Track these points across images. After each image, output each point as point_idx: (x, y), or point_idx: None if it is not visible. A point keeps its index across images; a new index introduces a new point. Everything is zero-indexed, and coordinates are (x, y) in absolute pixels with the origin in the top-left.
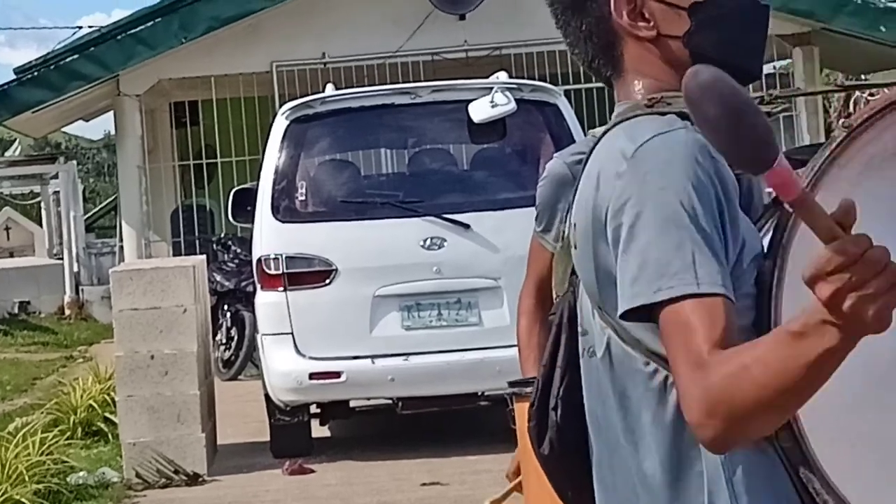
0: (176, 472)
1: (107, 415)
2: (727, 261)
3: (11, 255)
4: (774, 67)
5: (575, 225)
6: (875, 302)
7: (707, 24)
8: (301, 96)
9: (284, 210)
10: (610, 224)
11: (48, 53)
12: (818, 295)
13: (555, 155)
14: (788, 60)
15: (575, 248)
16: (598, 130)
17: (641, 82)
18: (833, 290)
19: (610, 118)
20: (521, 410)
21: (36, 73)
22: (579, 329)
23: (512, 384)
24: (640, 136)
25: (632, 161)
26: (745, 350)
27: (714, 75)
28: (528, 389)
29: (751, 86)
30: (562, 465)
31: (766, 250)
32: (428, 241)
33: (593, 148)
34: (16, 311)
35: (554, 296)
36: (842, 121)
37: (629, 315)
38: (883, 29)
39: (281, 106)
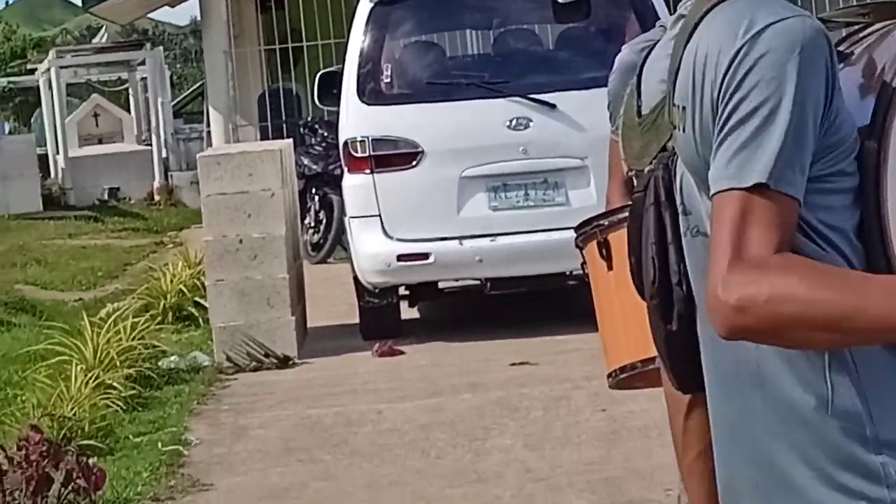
0: (266, 355)
1: (197, 299)
2: (829, 148)
3: (100, 142)
4: None
5: (683, 108)
6: None
7: None
8: None
9: (370, 93)
10: (720, 107)
11: None
12: None
13: (623, 47)
14: None
15: (682, 130)
16: (669, 20)
17: None
18: None
19: None
20: (591, 250)
21: None
22: (679, 208)
23: (578, 228)
24: (757, 20)
25: (748, 46)
26: (824, 269)
27: None
28: (604, 221)
29: None
30: (687, 340)
31: (868, 130)
32: (514, 122)
33: (692, 30)
34: (106, 197)
35: (625, 169)
36: None
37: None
38: None
39: None
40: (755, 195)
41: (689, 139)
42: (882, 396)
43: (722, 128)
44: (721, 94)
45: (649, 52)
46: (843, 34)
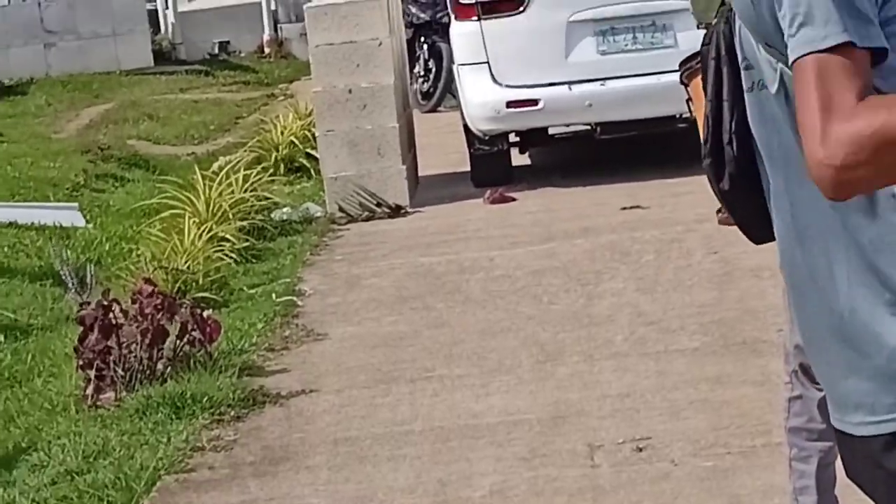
0: (378, 204)
1: (308, 150)
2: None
3: None
4: None
5: None
6: None
7: None
8: None
9: None
10: None
11: None
12: None
13: None
14: None
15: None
16: None
17: None
18: None
19: None
20: (696, 86)
21: None
22: (741, 63)
23: (682, 64)
24: None
25: None
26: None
27: None
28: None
29: None
30: (743, 198)
31: None
32: None
33: None
34: (216, 51)
35: (696, 23)
36: None
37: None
38: None
39: None
40: (826, 54)
41: None
42: None
43: None
44: None
45: None
46: None
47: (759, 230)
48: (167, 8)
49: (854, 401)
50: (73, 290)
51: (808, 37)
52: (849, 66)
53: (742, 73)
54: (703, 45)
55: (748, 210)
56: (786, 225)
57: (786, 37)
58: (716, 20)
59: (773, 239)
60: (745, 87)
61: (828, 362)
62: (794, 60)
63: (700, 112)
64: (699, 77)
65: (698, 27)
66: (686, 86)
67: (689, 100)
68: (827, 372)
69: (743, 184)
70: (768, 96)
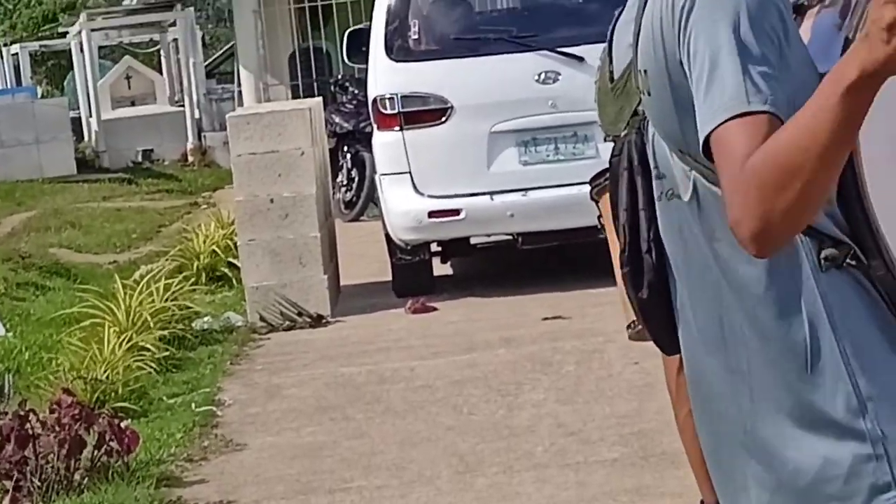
0: (299, 314)
1: (230, 260)
2: (784, 79)
3: (133, 104)
4: None
5: (645, 71)
6: None
7: None
8: None
9: (398, 49)
10: (682, 56)
11: None
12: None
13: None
14: None
15: (648, 94)
16: None
17: None
18: None
19: None
20: (606, 202)
21: None
22: (654, 172)
23: (592, 181)
24: None
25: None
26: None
27: None
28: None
29: None
30: (659, 307)
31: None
32: (542, 76)
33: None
34: (140, 159)
35: (604, 136)
36: None
37: (706, 151)
38: None
39: None
40: (732, 126)
41: (656, 102)
42: (861, 353)
43: (693, 81)
44: (680, 49)
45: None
46: None
47: (672, 340)
48: (91, 116)
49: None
50: None
51: (711, 116)
52: (753, 125)
53: (654, 181)
54: (612, 156)
55: (663, 319)
56: (690, 336)
57: (698, 117)
58: (626, 131)
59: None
60: (655, 195)
61: (729, 474)
62: (706, 139)
63: (609, 227)
64: (609, 194)
65: (605, 139)
66: (596, 202)
67: (599, 216)
68: (725, 484)
69: (660, 292)
70: (679, 205)
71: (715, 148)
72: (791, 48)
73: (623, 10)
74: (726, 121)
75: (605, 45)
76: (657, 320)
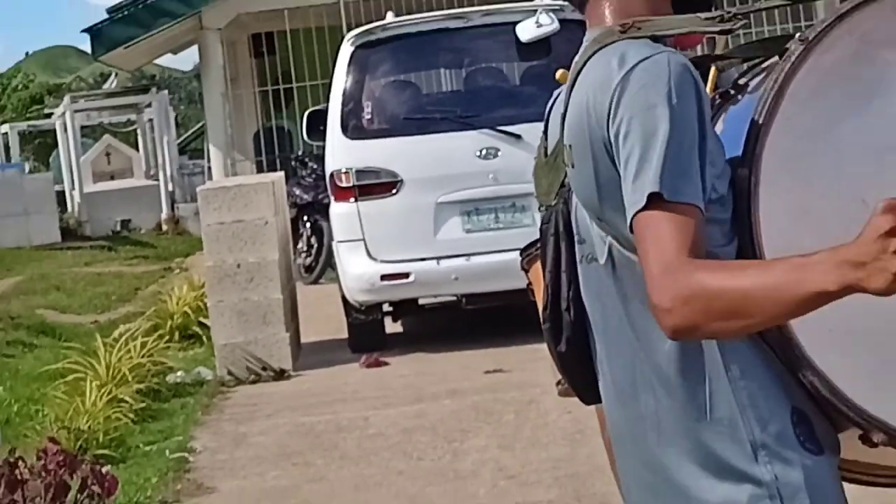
0: (264, 368)
1: (201, 319)
2: (706, 166)
3: (112, 178)
4: None
5: (570, 146)
6: None
7: None
8: (365, 24)
9: (352, 128)
10: (611, 140)
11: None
12: (877, 227)
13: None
14: None
15: (572, 167)
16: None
17: (616, 5)
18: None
19: None
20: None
21: (126, 13)
22: (576, 237)
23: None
24: (628, 60)
25: (623, 83)
26: (735, 263)
27: None
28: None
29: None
30: (578, 360)
31: (741, 159)
32: (484, 152)
33: (578, 74)
34: (118, 228)
35: (539, 206)
36: (798, 34)
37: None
38: None
39: (347, 34)
40: (657, 211)
41: (578, 174)
42: (756, 404)
43: (620, 161)
44: (609, 130)
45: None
46: (744, 68)
47: (590, 391)
48: (74, 189)
49: None
50: None
51: (637, 198)
52: (674, 221)
53: (576, 246)
54: (542, 224)
55: (581, 372)
56: (607, 388)
57: (623, 189)
58: (555, 201)
59: (601, 400)
60: (577, 259)
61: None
62: (631, 220)
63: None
64: (538, 263)
65: (539, 209)
66: (526, 272)
67: (528, 284)
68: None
69: (578, 347)
70: (597, 268)
71: (641, 228)
72: (708, 132)
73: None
74: (654, 205)
75: (542, 123)
76: (576, 373)
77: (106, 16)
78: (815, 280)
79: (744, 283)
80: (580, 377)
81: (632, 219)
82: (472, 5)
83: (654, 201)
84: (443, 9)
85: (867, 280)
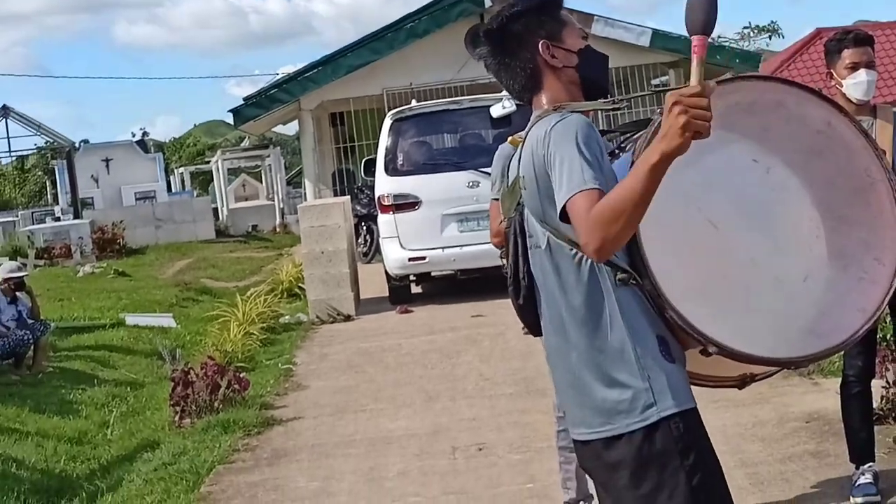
0: (338, 314)
1: (300, 284)
2: (603, 174)
3: (246, 200)
4: (660, 82)
5: (524, 177)
6: (695, 126)
7: (585, 60)
8: (399, 107)
9: (391, 169)
10: (547, 168)
11: (261, 89)
12: (669, 108)
13: (501, 145)
14: (667, 77)
15: (524, 189)
16: (521, 133)
17: (549, 96)
18: (682, 107)
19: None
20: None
21: (254, 100)
22: (527, 234)
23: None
24: (553, 121)
25: (550, 134)
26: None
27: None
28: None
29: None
30: (529, 309)
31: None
32: (470, 184)
33: (525, 137)
34: (250, 230)
35: (503, 218)
36: (658, 110)
37: (563, 216)
38: (737, 61)
39: (388, 112)
40: (579, 196)
41: (528, 193)
42: (639, 338)
43: (554, 178)
44: (545, 161)
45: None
46: (622, 138)
47: (537, 328)
48: (223, 206)
49: (579, 421)
50: (168, 362)
51: (565, 192)
52: (589, 195)
53: (527, 239)
54: (506, 228)
55: (532, 316)
56: (545, 325)
57: (556, 193)
58: (513, 214)
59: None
60: (529, 247)
61: (567, 400)
62: (563, 206)
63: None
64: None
65: (501, 222)
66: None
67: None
68: (566, 406)
69: (529, 301)
70: (540, 252)
71: (569, 211)
72: (604, 162)
73: (501, 146)
74: (575, 195)
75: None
76: (528, 317)
77: (242, 101)
78: (647, 161)
79: (616, 192)
80: (531, 319)
81: (563, 207)
82: (464, 95)
83: (576, 192)
84: (445, 98)
85: (671, 143)
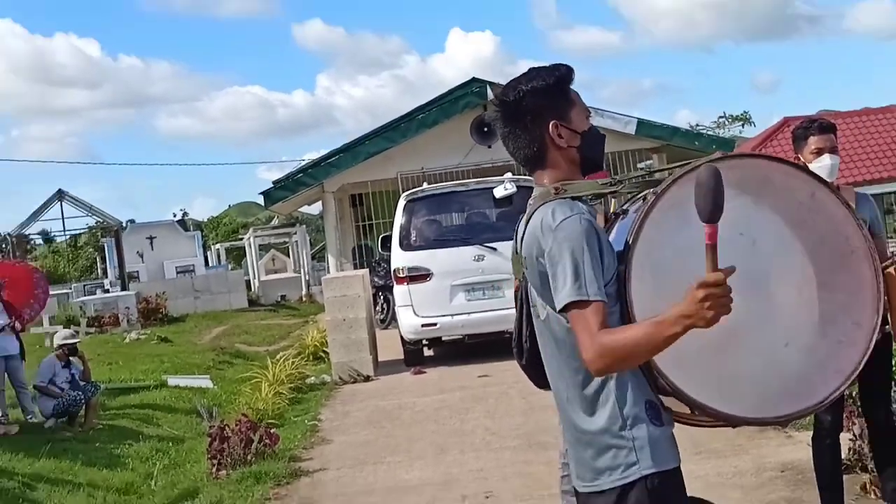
0: (358, 375)
1: (324, 349)
2: (603, 275)
3: (275, 272)
4: (646, 165)
5: (525, 257)
6: (721, 312)
7: (587, 141)
8: (412, 189)
9: (405, 245)
10: (546, 260)
11: (288, 174)
12: (694, 295)
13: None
14: (651, 160)
15: (526, 268)
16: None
17: (551, 175)
18: (706, 295)
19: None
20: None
21: (282, 184)
22: (530, 301)
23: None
24: (557, 216)
25: (555, 231)
26: (626, 328)
27: (710, 177)
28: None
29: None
30: (533, 368)
31: (619, 258)
32: (476, 257)
33: (530, 216)
34: (279, 299)
35: (515, 282)
36: (652, 189)
37: (562, 310)
38: (714, 147)
39: (402, 193)
40: (583, 305)
41: (529, 272)
42: (625, 398)
43: (552, 273)
44: (545, 257)
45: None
46: (629, 199)
47: (542, 382)
48: (255, 278)
49: (577, 474)
50: (206, 419)
51: (567, 293)
52: (594, 309)
53: (530, 306)
54: (514, 294)
55: (536, 374)
56: (551, 382)
57: (553, 291)
58: (520, 281)
59: (549, 388)
60: (533, 313)
61: (570, 453)
62: (563, 308)
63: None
64: None
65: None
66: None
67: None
68: (570, 457)
69: (532, 362)
70: (540, 323)
71: (571, 317)
72: (605, 252)
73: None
74: (578, 301)
75: (509, 241)
76: (532, 374)
77: (272, 185)
78: (668, 328)
79: (631, 338)
80: (534, 376)
81: (563, 307)
82: (470, 178)
83: (577, 300)
84: (453, 180)
85: (696, 322)
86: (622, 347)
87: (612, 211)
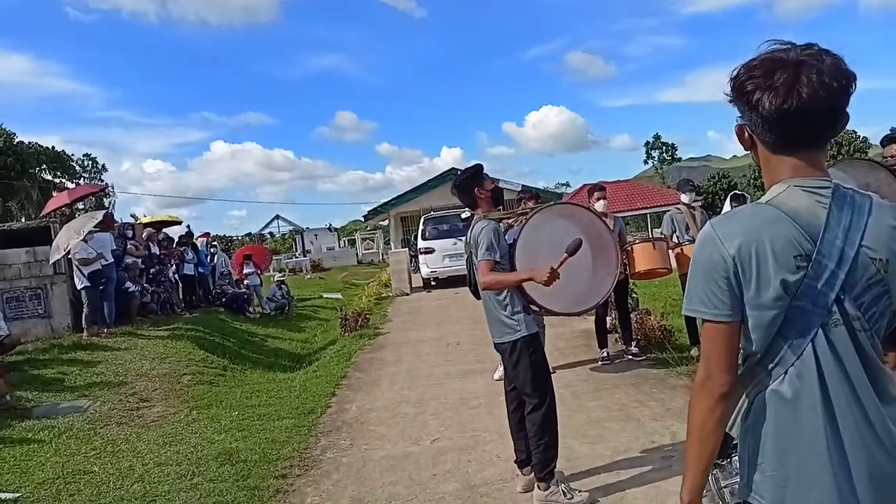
0: (402, 293)
1: (389, 281)
2: (499, 252)
3: (368, 249)
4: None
5: (471, 243)
6: (551, 282)
7: (494, 194)
8: (426, 214)
9: (423, 237)
10: (478, 242)
11: (373, 207)
12: (544, 272)
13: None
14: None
15: (472, 247)
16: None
17: (480, 211)
18: (549, 276)
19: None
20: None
21: (371, 211)
22: (473, 264)
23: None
24: (482, 225)
25: (481, 232)
26: (505, 273)
27: (576, 246)
28: None
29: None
30: (474, 290)
31: (510, 245)
32: (454, 242)
33: (473, 225)
34: (370, 261)
35: (466, 255)
36: (529, 211)
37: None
38: (551, 198)
39: (422, 216)
40: (483, 262)
41: (474, 248)
42: (514, 303)
43: (477, 247)
44: (478, 242)
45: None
46: (518, 220)
47: (478, 297)
48: (359, 252)
49: (493, 334)
50: (339, 311)
51: (482, 255)
52: (490, 263)
53: (471, 263)
54: (466, 260)
55: (476, 293)
56: (482, 297)
57: (477, 255)
58: (468, 255)
59: (480, 298)
60: (474, 269)
61: (489, 323)
62: (479, 261)
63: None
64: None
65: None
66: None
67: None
68: (489, 323)
69: (474, 289)
70: (476, 272)
71: (481, 265)
72: (501, 241)
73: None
74: (484, 260)
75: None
76: (475, 293)
77: (367, 212)
78: (523, 277)
79: (503, 276)
80: (475, 294)
81: (479, 260)
82: (453, 209)
83: (486, 259)
84: (443, 210)
85: (537, 280)
86: (497, 280)
87: (509, 223)
